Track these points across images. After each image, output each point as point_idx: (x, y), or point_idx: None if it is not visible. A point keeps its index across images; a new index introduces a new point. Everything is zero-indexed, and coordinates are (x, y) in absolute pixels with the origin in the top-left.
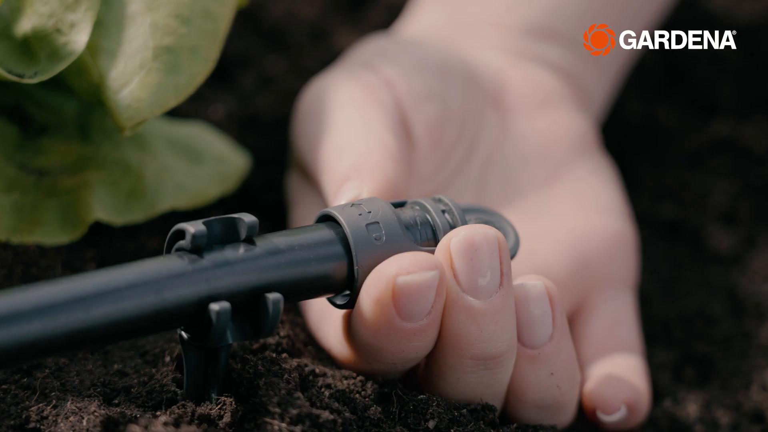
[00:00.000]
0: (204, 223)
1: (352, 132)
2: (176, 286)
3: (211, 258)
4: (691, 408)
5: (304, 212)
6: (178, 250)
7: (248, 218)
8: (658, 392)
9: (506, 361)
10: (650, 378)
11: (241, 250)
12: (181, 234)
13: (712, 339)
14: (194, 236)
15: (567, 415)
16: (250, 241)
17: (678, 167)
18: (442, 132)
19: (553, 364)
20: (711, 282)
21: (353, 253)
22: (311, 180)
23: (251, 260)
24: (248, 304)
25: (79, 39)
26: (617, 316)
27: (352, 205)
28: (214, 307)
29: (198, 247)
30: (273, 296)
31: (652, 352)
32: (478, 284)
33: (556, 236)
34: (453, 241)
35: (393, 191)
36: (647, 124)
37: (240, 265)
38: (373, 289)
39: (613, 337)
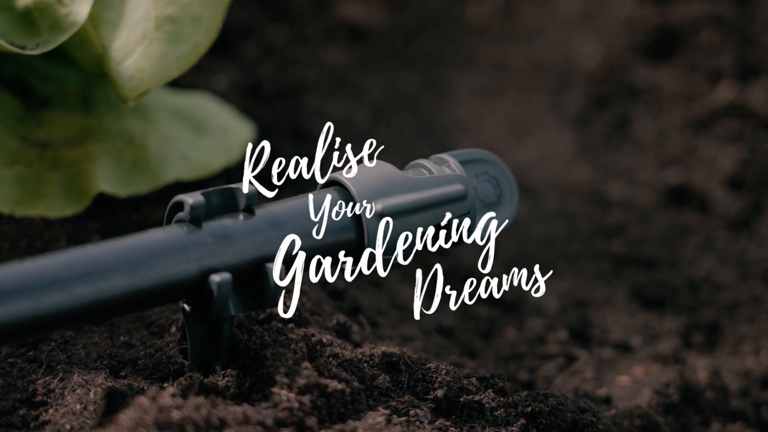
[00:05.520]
0: (202, 193)
1: None
2: (176, 258)
3: (210, 229)
4: (701, 374)
5: None
6: (177, 222)
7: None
8: (667, 358)
9: None
10: None
11: (241, 220)
12: (180, 206)
13: (720, 305)
14: (193, 207)
15: None
16: (249, 210)
17: (684, 132)
18: None
19: None
20: (718, 247)
21: (363, 219)
22: None
23: (251, 230)
24: (250, 274)
25: (80, 10)
26: None
27: (357, 168)
28: (215, 278)
29: (197, 218)
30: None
31: (661, 319)
32: None
33: None
34: None
35: None
36: (652, 90)
37: (240, 235)
38: None
39: None
